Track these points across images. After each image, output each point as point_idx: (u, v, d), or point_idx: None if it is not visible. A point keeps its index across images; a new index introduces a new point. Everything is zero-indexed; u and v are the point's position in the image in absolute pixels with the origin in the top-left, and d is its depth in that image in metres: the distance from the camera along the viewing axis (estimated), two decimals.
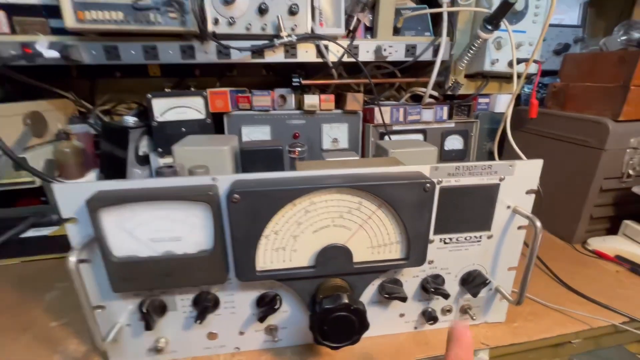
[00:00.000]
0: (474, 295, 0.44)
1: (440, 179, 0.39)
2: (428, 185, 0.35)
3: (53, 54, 0.60)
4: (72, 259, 0.32)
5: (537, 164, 0.40)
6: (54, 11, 0.69)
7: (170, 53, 0.71)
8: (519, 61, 0.79)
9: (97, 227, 0.33)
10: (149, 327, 0.37)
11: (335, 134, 0.89)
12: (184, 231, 0.36)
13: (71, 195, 0.34)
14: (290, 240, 0.37)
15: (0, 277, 0.60)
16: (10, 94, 0.76)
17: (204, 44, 0.70)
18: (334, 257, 0.37)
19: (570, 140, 0.69)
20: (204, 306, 0.38)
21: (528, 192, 0.41)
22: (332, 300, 0.35)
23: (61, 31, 0.69)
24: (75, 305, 0.52)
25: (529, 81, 0.94)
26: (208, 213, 0.35)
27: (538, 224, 0.39)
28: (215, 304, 0.40)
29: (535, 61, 0.75)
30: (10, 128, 0.67)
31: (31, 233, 0.66)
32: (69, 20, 0.61)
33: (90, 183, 0.33)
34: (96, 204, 0.32)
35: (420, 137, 0.89)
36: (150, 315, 0.37)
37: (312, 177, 0.35)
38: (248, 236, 0.35)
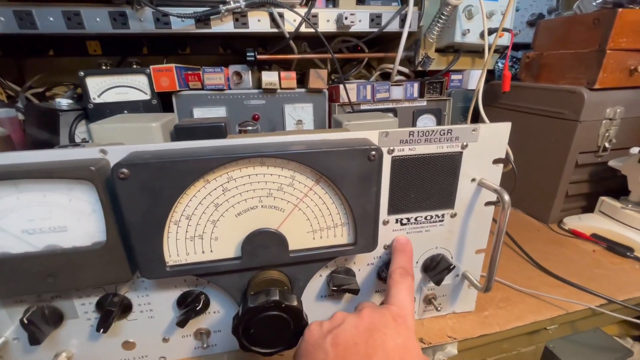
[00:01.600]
0: (437, 283, 0.38)
1: (391, 148, 0.32)
2: (373, 153, 0.29)
3: None
4: None
5: (505, 128, 0.34)
6: None
7: (97, 21, 0.61)
8: (491, 32, 0.74)
9: None
10: (34, 341, 0.30)
11: (299, 115, 0.82)
12: (68, 219, 0.28)
13: None
14: (208, 227, 0.30)
15: None
16: None
17: (138, 10, 0.61)
18: (264, 245, 0.31)
19: (544, 113, 0.65)
20: (107, 311, 0.31)
21: (495, 162, 0.36)
22: (259, 297, 0.28)
23: None
24: None
25: (502, 55, 0.89)
26: (95, 194, 0.27)
27: (506, 197, 0.33)
28: (126, 307, 0.33)
29: (506, 29, 0.70)
30: None
31: None
32: None
33: None
34: None
35: (381, 113, 0.83)
36: (35, 327, 0.30)
37: (227, 147, 0.28)
38: (149, 222, 0.28)
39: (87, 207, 0.28)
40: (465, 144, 0.34)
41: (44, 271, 0.28)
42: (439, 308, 0.41)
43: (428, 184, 0.35)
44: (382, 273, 0.37)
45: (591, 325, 0.52)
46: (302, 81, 0.81)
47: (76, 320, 0.33)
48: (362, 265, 0.37)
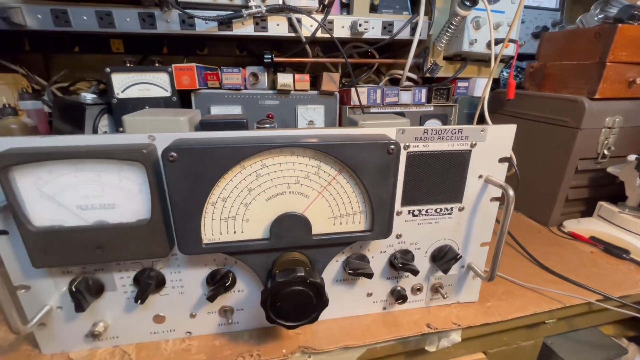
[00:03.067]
0: (445, 271, 0.41)
1: (407, 144, 0.36)
2: (392, 147, 0.32)
3: None
4: None
5: (511, 129, 0.38)
6: None
7: (127, 21, 0.65)
8: (497, 42, 0.77)
9: (9, 190, 0.28)
10: (80, 308, 0.33)
11: (311, 115, 0.85)
12: (118, 197, 0.31)
13: None
14: (241, 209, 0.33)
15: None
16: None
17: (165, 12, 0.65)
18: (290, 227, 0.34)
19: (546, 120, 0.68)
20: (146, 284, 0.34)
21: (501, 161, 0.39)
22: (286, 273, 0.31)
23: None
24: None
25: (507, 65, 0.93)
26: (143, 176, 0.30)
27: (511, 192, 0.36)
28: (160, 282, 0.36)
29: (512, 40, 0.74)
30: None
31: None
32: None
33: (3, 138, 0.29)
34: (5, 161, 0.27)
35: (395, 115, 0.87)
36: (81, 295, 0.33)
37: (263, 137, 0.31)
38: (190, 202, 0.31)
39: (135, 187, 0.31)
40: (474, 142, 0.37)
41: (93, 244, 0.31)
42: (445, 296, 0.44)
43: (439, 178, 0.38)
44: (394, 260, 0.40)
45: (588, 322, 0.55)
46: (314, 83, 0.84)
47: (114, 293, 0.36)
48: (376, 253, 0.40)
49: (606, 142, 0.64)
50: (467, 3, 0.70)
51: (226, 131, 0.32)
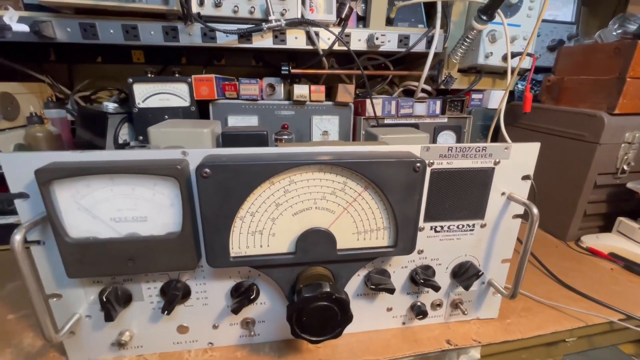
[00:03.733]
0: (466, 287, 0.41)
1: (431, 161, 0.36)
2: (418, 164, 0.32)
3: (22, 27, 0.56)
4: (17, 237, 0.28)
5: (534, 148, 0.38)
6: None
7: (152, 34, 0.67)
8: (513, 55, 0.78)
9: (48, 203, 0.29)
10: (109, 317, 0.34)
11: (326, 126, 0.86)
12: (150, 211, 0.32)
13: (22, 167, 0.30)
14: (268, 223, 0.34)
15: None
16: None
17: (188, 25, 0.67)
18: (315, 242, 0.34)
19: (564, 134, 0.68)
20: (173, 295, 0.35)
21: (524, 178, 0.39)
22: (312, 288, 0.32)
23: (35, 7, 0.65)
24: None
25: (523, 77, 0.93)
26: (176, 190, 0.31)
27: (535, 210, 0.36)
28: (185, 293, 0.37)
29: (529, 54, 0.74)
30: None
31: None
32: None
33: (43, 153, 0.30)
34: (47, 176, 0.29)
35: (413, 128, 0.87)
36: (111, 304, 0.34)
37: (292, 154, 0.32)
38: (220, 217, 0.31)
39: (167, 200, 0.32)
40: (497, 160, 0.37)
41: (125, 255, 0.32)
42: (465, 312, 0.43)
43: (462, 195, 0.38)
44: (416, 276, 0.40)
45: (608, 341, 0.54)
46: (329, 94, 0.85)
47: (141, 303, 0.37)
48: (397, 268, 0.41)
49: (626, 157, 0.64)
50: (484, 17, 0.71)
51: (256, 147, 0.32)
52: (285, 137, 0.65)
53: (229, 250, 0.33)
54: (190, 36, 0.68)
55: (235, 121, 0.81)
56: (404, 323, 0.44)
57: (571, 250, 0.66)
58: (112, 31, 0.65)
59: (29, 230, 0.29)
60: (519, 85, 0.95)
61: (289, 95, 0.83)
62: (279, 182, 0.32)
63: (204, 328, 0.39)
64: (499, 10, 0.70)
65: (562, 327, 0.46)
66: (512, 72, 0.74)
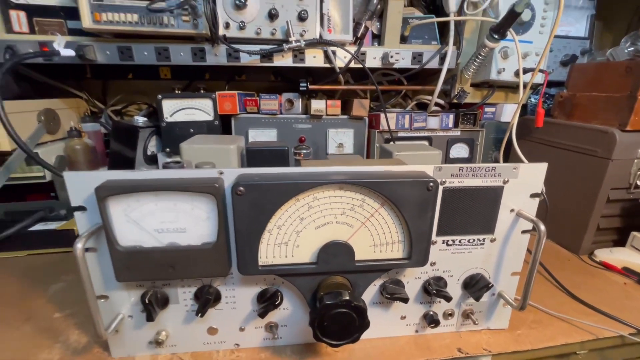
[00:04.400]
0: (477, 299, 0.43)
1: (443, 180, 0.39)
2: (431, 184, 0.35)
3: (69, 52, 0.62)
4: (79, 245, 0.33)
5: (542, 168, 0.40)
6: (72, 13, 0.71)
7: (181, 55, 0.72)
8: (526, 71, 0.80)
9: (105, 215, 0.34)
10: (150, 318, 0.38)
11: (341, 139, 0.90)
12: (188, 223, 0.36)
13: (81, 183, 0.34)
14: (292, 236, 0.37)
15: (6, 269, 0.60)
16: (26, 91, 0.79)
17: (215, 47, 0.72)
18: (336, 254, 0.37)
19: (576, 149, 0.69)
20: (206, 299, 0.38)
21: (532, 196, 0.41)
22: (333, 296, 0.35)
23: (78, 32, 0.71)
24: (79, 297, 0.53)
25: (535, 91, 0.95)
26: (213, 205, 0.35)
27: (542, 227, 0.38)
28: (216, 297, 0.40)
29: (541, 71, 0.76)
30: (25, 124, 0.69)
31: (39, 227, 0.66)
32: (86, 21, 0.63)
33: (100, 172, 0.34)
34: (104, 192, 0.33)
35: (425, 144, 0.90)
36: (152, 307, 0.38)
37: (316, 173, 0.35)
38: (251, 229, 0.35)
39: (204, 214, 0.36)
40: (506, 179, 0.40)
41: (166, 262, 0.36)
42: (476, 322, 0.46)
43: (472, 211, 0.41)
44: (429, 287, 0.43)
45: (621, 355, 0.54)
46: (344, 108, 0.89)
47: (176, 306, 0.41)
48: (411, 279, 0.43)
49: (639, 173, 0.65)
50: (496, 36, 0.73)
51: (284, 167, 0.36)
52: (304, 151, 0.68)
53: (257, 259, 0.37)
54: (216, 56, 0.74)
55: (255, 134, 0.86)
56: (416, 331, 0.47)
57: (584, 264, 0.67)
58: (145, 53, 0.71)
59: (88, 239, 0.34)
60: (532, 99, 0.97)
61: (306, 109, 0.87)
62: (304, 198, 0.36)
63: (231, 330, 0.42)
64: (510, 29, 0.73)
65: (573, 340, 0.47)
66: (525, 87, 0.76)
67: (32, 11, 0.70)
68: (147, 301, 0.37)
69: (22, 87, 0.77)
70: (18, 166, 0.66)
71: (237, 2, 0.68)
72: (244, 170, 0.36)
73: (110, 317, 0.40)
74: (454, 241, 0.42)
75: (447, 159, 0.92)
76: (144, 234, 0.36)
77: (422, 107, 1.01)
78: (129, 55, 0.70)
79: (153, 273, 0.36)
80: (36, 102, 0.74)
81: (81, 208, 0.35)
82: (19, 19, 0.69)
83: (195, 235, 0.36)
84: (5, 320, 0.47)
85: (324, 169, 0.36)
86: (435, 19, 0.82)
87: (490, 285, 0.43)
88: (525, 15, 0.78)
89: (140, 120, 0.84)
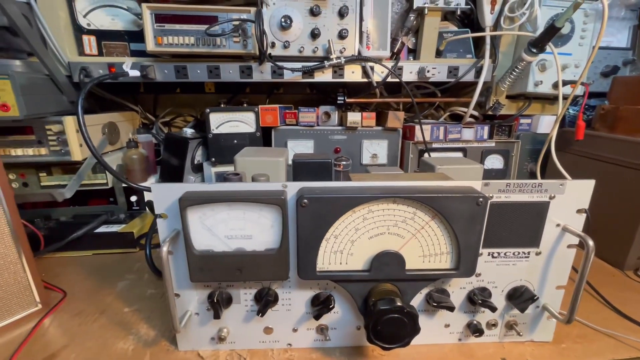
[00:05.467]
0: (522, 310, 0.44)
1: (491, 195, 0.41)
2: (481, 199, 0.38)
3: (135, 73, 0.69)
4: (164, 249, 0.37)
5: (589, 185, 0.41)
6: (133, 35, 0.79)
7: (230, 72, 0.78)
8: (564, 83, 0.80)
9: (185, 223, 0.38)
10: (217, 315, 0.42)
11: (375, 149, 0.92)
12: (254, 230, 0.40)
13: (164, 194, 0.39)
14: (347, 244, 0.40)
15: (76, 267, 0.67)
16: (91, 106, 0.88)
17: (261, 64, 0.77)
18: (387, 263, 0.40)
19: (620, 163, 0.68)
20: (267, 300, 0.42)
21: (579, 212, 0.42)
22: (387, 302, 0.38)
23: (139, 53, 0.79)
24: (142, 294, 0.58)
25: (574, 102, 0.93)
26: (278, 215, 0.39)
27: (590, 242, 0.39)
28: (275, 299, 0.44)
29: (582, 83, 0.75)
30: (93, 136, 0.77)
31: (102, 229, 0.73)
32: (150, 44, 0.70)
33: (180, 185, 0.39)
34: (187, 203, 0.37)
35: (459, 155, 0.91)
36: (219, 305, 0.42)
37: (371, 188, 0.39)
38: (312, 238, 0.39)
39: (269, 223, 0.40)
40: (553, 195, 0.41)
41: (234, 266, 0.40)
42: (520, 333, 0.47)
43: (518, 225, 0.42)
44: (474, 297, 0.44)
45: None
46: (379, 119, 0.92)
47: (238, 305, 0.45)
48: (456, 288, 0.45)
49: None
50: (534, 50, 0.74)
51: (342, 182, 0.39)
52: (344, 162, 0.72)
53: (316, 265, 0.40)
54: (262, 73, 0.79)
55: (294, 145, 0.90)
56: (460, 339, 0.48)
57: (630, 280, 0.66)
58: (198, 71, 0.77)
59: (171, 244, 0.39)
60: (570, 110, 0.96)
61: (341, 121, 0.91)
62: (359, 211, 0.39)
63: (285, 330, 0.46)
64: (549, 43, 0.73)
65: (620, 356, 0.47)
66: (564, 100, 0.76)
67: (101, 35, 0.78)
68: (215, 300, 0.41)
69: (89, 103, 0.85)
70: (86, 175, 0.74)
71: (283, 23, 0.73)
72: (305, 183, 0.40)
73: (180, 314, 0.44)
74: (499, 253, 0.44)
75: None
76: (215, 240, 0.40)
77: (455, 117, 1.02)
78: (184, 73, 0.77)
79: (222, 275, 0.41)
80: (101, 116, 0.82)
81: (163, 215, 0.40)
82: (90, 42, 0.77)
83: (259, 242, 0.40)
84: (85, 312, 0.53)
85: (379, 183, 0.39)
86: (471, 35, 0.84)
87: (535, 298, 0.44)
88: (565, 28, 0.78)
89: (189, 132, 0.90)
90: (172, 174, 0.89)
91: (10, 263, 0.49)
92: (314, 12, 0.74)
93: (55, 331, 0.50)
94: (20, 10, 0.63)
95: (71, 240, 0.69)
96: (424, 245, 0.40)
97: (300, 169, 0.59)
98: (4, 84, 0.58)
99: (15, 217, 0.49)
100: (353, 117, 0.87)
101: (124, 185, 0.81)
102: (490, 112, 0.91)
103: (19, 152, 0.69)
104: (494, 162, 0.93)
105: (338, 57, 0.77)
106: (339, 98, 0.85)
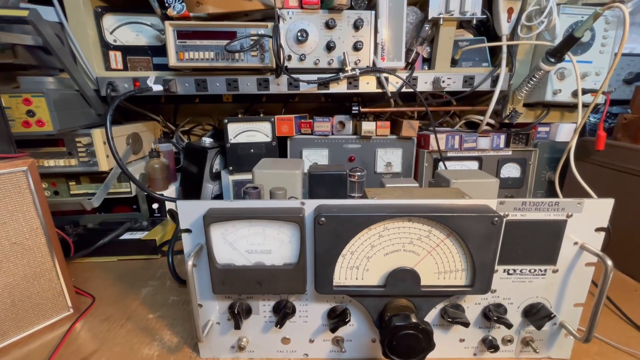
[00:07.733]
0: (538, 327, 0.44)
1: (506, 213, 0.41)
2: (496, 219, 0.38)
3: (158, 87, 0.72)
4: (190, 262, 0.39)
5: (608, 204, 0.41)
6: (157, 50, 0.83)
7: (248, 85, 0.81)
8: (585, 92, 0.78)
9: (208, 238, 0.40)
10: (238, 326, 0.44)
11: (389, 158, 0.93)
12: (273, 245, 0.42)
13: (188, 210, 0.41)
14: (363, 261, 0.41)
15: (102, 272, 0.71)
16: (116, 117, 0.92)
17: (278, 77, 0.79)
18: (403, 279, 0.41)
19: None
20: (285, 313, 0.44)
21: (597, 230, 0.42)
22: (402, 318, 0.39)
23: (161, 67, 0.82)
24: (165, 301, 0.61)
25: (594, 110, 0.91)
26: (296, 231, 0.40)
27: (609, 262, 0.39)
28: (292, 311, 0.45)
29: (603, 92, 0.74)
30: (118, 147, 0.80)
31: (126, 236, 0.77)
32: (172, 59, 0.73)
33: (203, 202, 0.41)
34: (211, 219, 0.39)
35: (475, 164, 0.90)
36: (239, 316, 0.44)
37: (387, 206, 0.40)
38: (329, 254, 0.40)
39: (287, 238, 0.41)
40: (570, 214, 0.41)
41: (254, 279, 0.42)
42: (537, 350, 0.47)
43: (534, 243, 0.42)
44: (489, 313, 0.45)
45: None
46: (393, 128, 0.92)
47: (257, 316, 0.46)
48: (471, 304, 0.45)
49: None
50: (552, 60, 0.73)
51: (358, 200, 0.41)
52: (359, 173, 0.73)
53: (332, 280, 0.41)
54: (279, 86, 0.81)
55: (309, 153, 0.92)
56: (475, 354, 0.48)
57: None
58: (217, 84, 0.80)
59: (195, 257, 0.41)
60: (590, 118, 0.93)
61: (356, 130, 0.92)
62: (375, 228, 0.40)
63: (302, 341, 0.47)
64: (569, 52, 0.72)
65: None
66: (584, 109, 0.74)
67: (126, 51, 0.82)
68: (235, 311, 0.43)
69: (113, 114, 0.89)
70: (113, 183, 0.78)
71: (299, 37, 0.74)
72: (322, 201, 0.41)
73: (202, 323, 0.46)
74: (515, 270, 0.44)
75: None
76: (236, 254, 0.42)
77: (470, 125, 1.02)
78: (204, 86, 0.80)
79: (243, 288, 0.42)
80: (125, 127, 0.85)
81: (188, 230, 0.42)
82: (115, 58, 0.81)
83: (278, 256, 0.42)
84: (112, 318, 0.56)
85: (394, 201, 0.40)
86: (487, 44, 0.83)
87: (552, 316, 0.44)
88: (585, 37, 0.77)
89: (207, 141, 0.93)
90: (192, 182, 0.92)
91: (45, 270, 0.53)
92: (329, 25, 0.75)
93: (86, 335, 0.53)
94: (54, 30, 0.67)
95: (98, 247, 0.73)
96: (439, 262, 0.41)
97: (316, 181, 0.61)
98: (39, 101, 0.62)
99: (51, 227, 0.53)
100: (367, 126, 0.88)
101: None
102: (506, 121, 0.90)
103: (51, 163, 0.73)
104: (511, 170, 0.92)
105: (353, 69, 0.78)
106: (353, 108, 0.86)
